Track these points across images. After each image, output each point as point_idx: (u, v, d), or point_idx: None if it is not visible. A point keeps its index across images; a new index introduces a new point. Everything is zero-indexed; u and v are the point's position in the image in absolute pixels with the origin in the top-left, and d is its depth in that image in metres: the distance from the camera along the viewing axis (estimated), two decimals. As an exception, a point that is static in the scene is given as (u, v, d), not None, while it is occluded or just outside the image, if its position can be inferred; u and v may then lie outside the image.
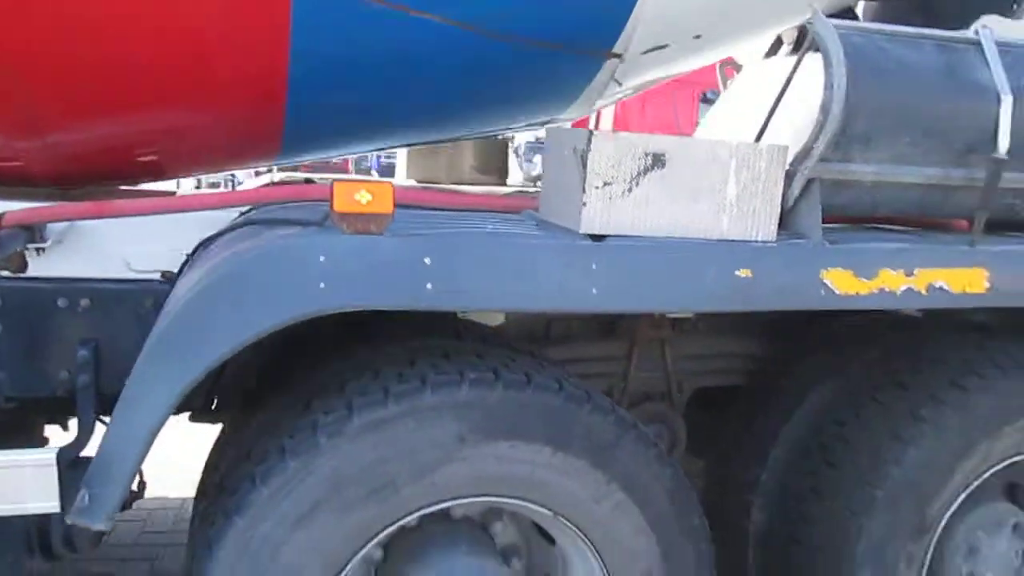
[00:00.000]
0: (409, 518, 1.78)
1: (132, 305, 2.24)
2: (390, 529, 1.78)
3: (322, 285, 1.62)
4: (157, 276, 2.34)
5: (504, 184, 4.21)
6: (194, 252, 2.20)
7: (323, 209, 1.92)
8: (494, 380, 1.79)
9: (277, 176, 3.61)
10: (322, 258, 1.63)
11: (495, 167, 4.16)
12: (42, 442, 2.50)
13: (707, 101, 7.74)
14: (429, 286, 1.67)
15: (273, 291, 1.61)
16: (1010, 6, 2.95)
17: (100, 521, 1.58)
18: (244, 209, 2.34)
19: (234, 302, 1.59)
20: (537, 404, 1.82)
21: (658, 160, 1.94)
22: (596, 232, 1.91)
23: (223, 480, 1.98)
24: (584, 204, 1.90)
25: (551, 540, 2.10)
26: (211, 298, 1.60)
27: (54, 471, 1.58)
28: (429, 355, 1.87)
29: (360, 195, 1.67)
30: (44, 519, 1.93)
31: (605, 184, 1.91)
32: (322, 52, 2.04)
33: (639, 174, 1.93)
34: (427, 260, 1.68)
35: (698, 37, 2.80)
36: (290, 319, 1.60)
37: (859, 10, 3.55)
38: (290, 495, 1.69)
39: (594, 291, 1.81)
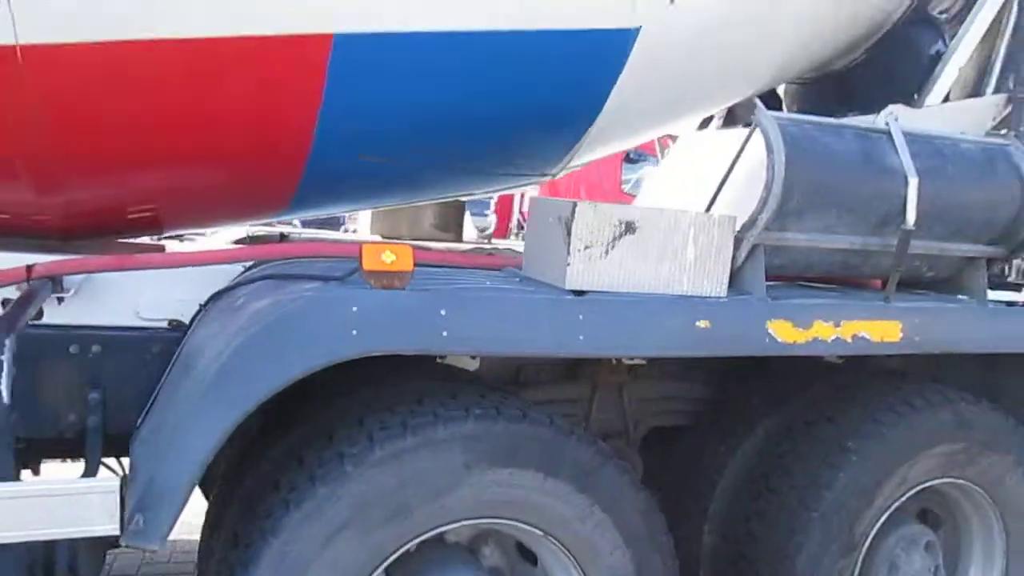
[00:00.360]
0: (419, 538, 2.03)
1: (140, 351, 2.44)
2: (403, 548, 2.02)
3: (355, 332, 1.88)
4: (164, 324, 2.55)
5: (461, 240, 4.51)
6: (207, 303, 2.41)
7: (338, 265, 2.20)
8: (496, 415, 2.07)
9: (253, 231, 3.82)
10: (355, 309, 1.90)
11: (453, 224, 4.46)
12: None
13: (630, 161, 8.16)
14: (445, 334, 1.95)
15: (314, 336, 1.86)
16: (912, 96, 3.41)
17: (156, 542, 1.77)
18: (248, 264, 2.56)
19: (281, 345, 1.84)
20: (532, 436, 2.10)
21: (630, 227, 2.28)
22: (578, 288, 2.22)
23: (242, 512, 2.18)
24: (568, 264, 2.22)
25: (533, 562, 2.37)
26: (261, 341, 1.84)
27: (117, 497, 1.77)
28: (436, 394, 2.13)
29: (386, 255, 1.95)
30: (49, 546, 2.08)
31: (586, 247, 2.24)
32: (352, 115, 2.30)
33: (615, 239, 2.26)
34: (443, 312, 1.96)
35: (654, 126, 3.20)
36: (328, 361, 1.86)
37: (781, 90, 4.02)
38: (320, 518, 1.92)
39: (581, 338, 2.12)
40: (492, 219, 6.30)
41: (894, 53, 3.54)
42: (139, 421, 2.31)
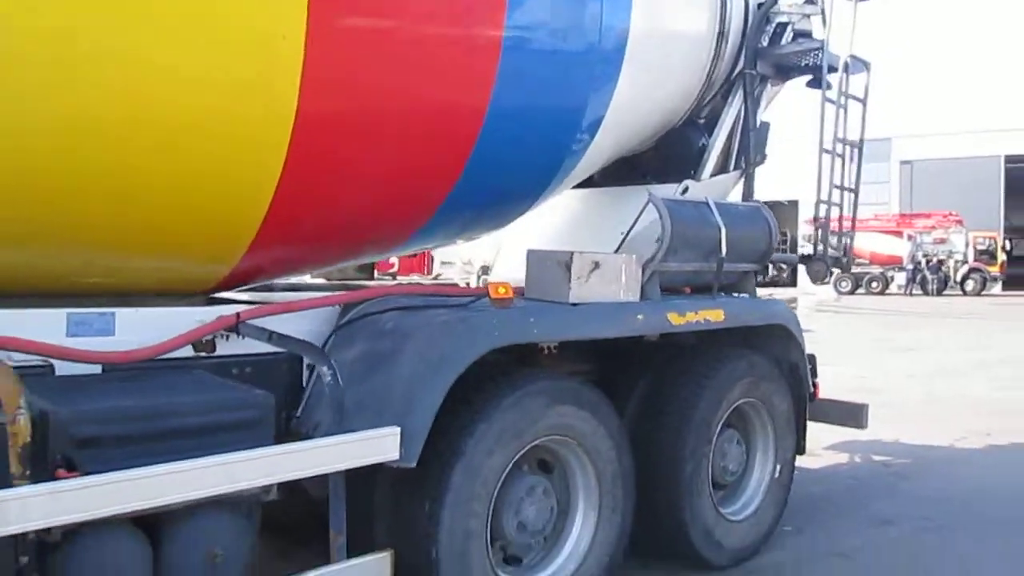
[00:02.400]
0: (526, 447, 3.56)
1: (273, 369, 3.67)
2: (520, 453, 3.54)
3: (496, 334, 3.40)
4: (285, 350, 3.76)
5: (373, 277, 5.91)
6: (337, 331, 3.69)
7: (437, 299, 3.67)
8: (556, 377, 3.67)
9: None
10: (494, 321, 3.41)
11: (368, 266, 5.85)
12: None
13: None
14: (536, 331, 3.53)
15: (482, 331, 3.34)
16: (687, 172, 5.40)
17: (412, 462, 3.13)
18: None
19: (463, 337, 3.30)
20: (570, 387, 3.73)
21: (597, 265, 3.99)
22: (575, 302, 3.89)
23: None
24: (570, 288, 3.87)
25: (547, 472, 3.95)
26: (446, 335, 3.29)
27: (398, 438, 3.07)
28: (528, 368, 3.67)
29: (502, 289, 3.49)
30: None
31: (577, 278, 3.91)
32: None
33: (590, 272, 3.96)
34: (531, 319, 3.54)
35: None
36: (486, 350, 3.35)
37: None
38: (483, 439, 3.37)
39: (584, 327, 3.79)
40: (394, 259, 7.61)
41: (674, 144, 5.56)
42: (299, 412, 3.56)
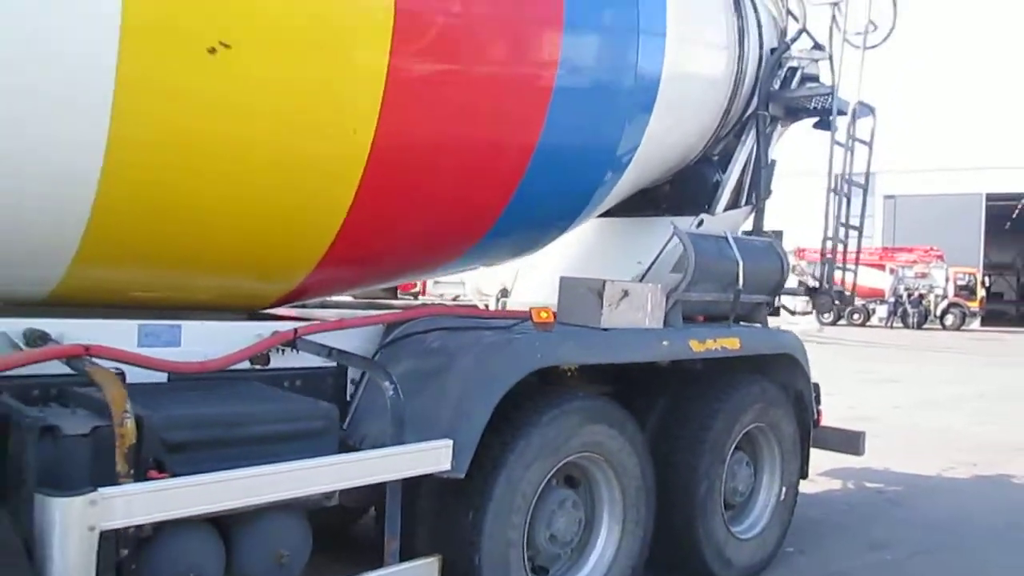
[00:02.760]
0: (562, 462, 3.79)
1: (320, 382, 3.89)
2: (556, 468, 3.76)
3: (539, 356, 3.63)
4: (334, 365, 3.98)
5: (397, 297, 6.12)
6: (384, 348, 3.91)
7: (480, 321, 3.90)
8: (589, 398, 3.91)
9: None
10: (537, 343, 3.65)
11: (392, 288, 6.06)
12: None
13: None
14: (575, 354, 3.77)
15: (520, 357, 3.58)
16: (703, 207, 5.68)
17: (462, 472, 3.35)
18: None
19: (511, 358, 3.54)
20: (601, 408, 3.97)
21: (626, 293, 4.24)
22: (605, 327, 4.13)
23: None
24: (602, 314, 4.12)
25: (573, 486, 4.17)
26: (493, 355, 3.52)
27: (450, 449, 3.29)
28: (565, 388, 3.91)
29: (544, 313, 3.73)
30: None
31: (608, 305, 4.16)
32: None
33: (620, 300, 4.21)
34: (571, 343, 3.78)
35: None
36: (531, 370, 3.58)
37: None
38: (524, 454, 3.60)
39: (616, 351, 4.03)
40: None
41: (689, 179, 5.83)
42: (346, 424, 3.77)
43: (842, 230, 5.84)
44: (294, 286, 3.72)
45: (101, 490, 2.45)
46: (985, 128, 40.05)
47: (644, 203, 5.88)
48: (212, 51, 2.77)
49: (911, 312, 36.02)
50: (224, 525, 2.90)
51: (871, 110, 5.92)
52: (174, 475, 2.70)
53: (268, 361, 3.70)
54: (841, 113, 5.81)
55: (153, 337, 3.36)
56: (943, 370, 18.83)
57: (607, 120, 4.22)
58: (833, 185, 5.76)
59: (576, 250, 5.76)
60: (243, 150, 2.99)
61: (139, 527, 2.60)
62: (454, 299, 6.41)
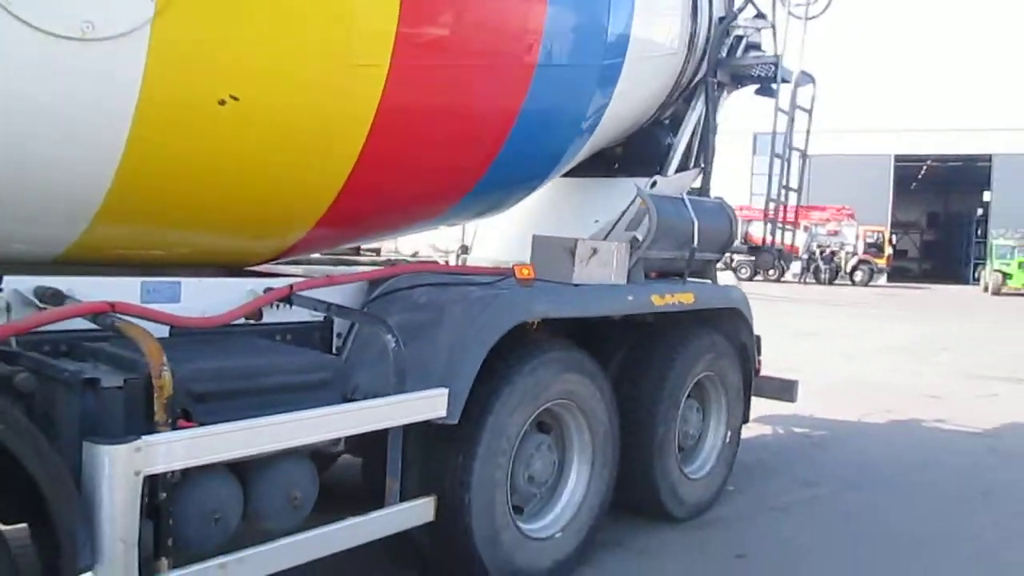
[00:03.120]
0: (542, 407, 4.07)
1: (309, 335, 4.07)
2: (536, 414, 4.05)
3: (523, 309, 3.89)
4: (321, 318, 4.16)
5: (359, 254, 6.27)
6: (371, 302, 4.11)
7: (464, 278, 4.14)
8: (565, 348, 4.19)
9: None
10: (520, 298, 3.90)
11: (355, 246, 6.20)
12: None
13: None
14: (554, 307, 4.04)
15: (507, 311, 3.83)
16: (654, 168, 5.99)
17: (455, 419, 3.60)
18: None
19: (499, 310, 3.78)
20: (575, 358, 4.26)
21: (595, 251, 4.52)
22: (576, 283, 4.41)
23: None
24: (574, 271, 4.39)
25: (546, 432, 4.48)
26: (481, 309, 3.76)
27: (446, 398, 3.55)
28: (545, 340, 4.18)
29: (526, 271, 3.98)
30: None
31: (579, 262, 4.43)
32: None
33: (589, 257, 4.49)
34: (550, 297, 4.04)
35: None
36: (518, 322, 3.84)
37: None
38: (509, 398, 3.87)
39: (589, 305, 4.32)
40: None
41: (643, 141, 6.13)
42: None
43: (782, 192, 6.23)
44: (288, 245, 3.87)
45: (145, 438, 2.63)
46: (896, 91, 41.48)
47: (598, 164, 6.14)
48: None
49: (823, 268, 37.52)
50: (242, 471, 3.10)
51: (812, 79, 6.30)
52: (200, 424, 2.88)
53: (261, 316, 3.86)
54: (784, 81, 6.16)
55: (155, 293, 3.48)
56: (855, 324, 19.87)
57: (581, 84, 4.47)
58: (776, 150, 6.12)
59: (534, 208, 6.01)
60: (256, 111, 3.13)
61: (173, 472, 2.79)
62: (413, 255, 6.59)
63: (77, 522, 2.50)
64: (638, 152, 6.12)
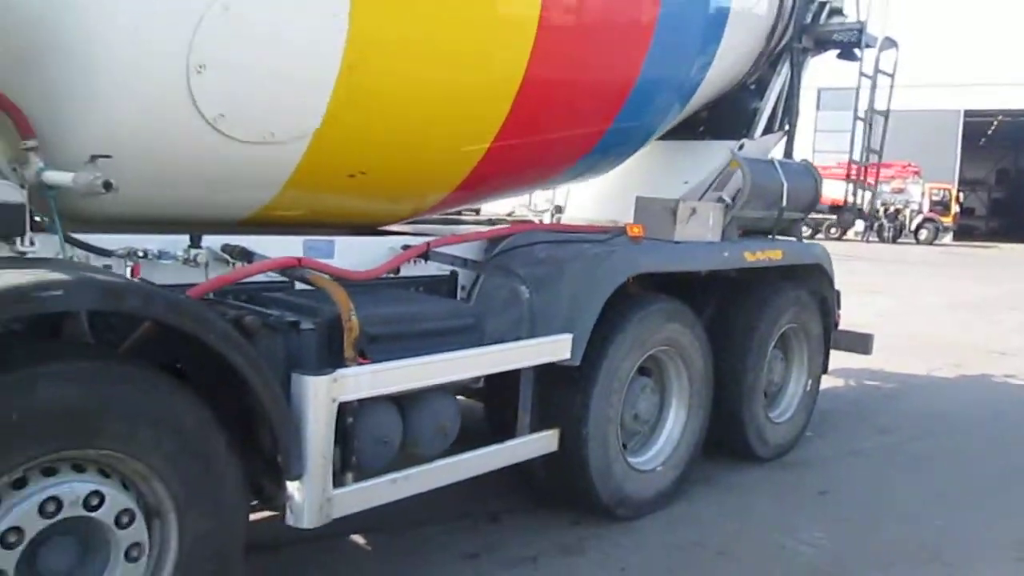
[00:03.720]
0: (648, 353, 4.52)
1: (438, 287, 4.53)
2: (643, 358, 4.50)
3: (635, 264, 4.32)
4: (447, 272, 4.62)
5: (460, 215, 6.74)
6: (493, 259, 4.56)
7: (577, 235, 4.57)
8: (668, 299, 4.62)
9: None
10: (632, 253, 4.32)
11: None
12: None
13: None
14: (661, 262, 4.45)
15: (621, 265, 4.26)
16: (740, 132, 6.31)
17: (578, 360, 4.06)
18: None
19: (614, 264, 4.22)
20: (677, 308, 4.68)
21: (695, 211, 4.91)
22: (678, 240, 4.81)
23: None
24: (675, 229, 4.79)
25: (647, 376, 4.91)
26: (599, 263, 4.20)
27: (570, 342, 4.01)
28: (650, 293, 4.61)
29: (636, 229, 4.40)
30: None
31: (680, 221, 4.83)
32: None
33: (689, 216, 4.88)
34: (658, 253, 4.46)
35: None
36: (631, 275, 4.26)
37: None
38: (622, 344, 4.32)
39: (691, 260, 4.72)
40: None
41: (729, 106, 6.43)
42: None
43: (865, 153, 6.50)
44: (426, 207, 4.36)
45: (340, 371, 3.14)
46: (964, 45, 40.26)
47: (683, 128, 6.50)
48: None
49: (887, 226, 37.06)
50: (402, 403, 3.60)
51: (895, 43, 6.52)
52: (373, 361, 3.37)
53: (399, 270, 4.36)
54: (868, 46, 6.40)
55: (314, 251, 3.98)
56: (921, 281, 19.88)
57: (690, 45, 4.88)
58: (860, 114, 6.39)
59: (624, 171, 6.39)
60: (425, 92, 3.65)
61: (360, 401, 3.29)
62: (508, 215, 7.04)
63: (291, 439, 3.02)
64: (724, 116, 6.43)
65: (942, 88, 41.75)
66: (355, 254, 4.09)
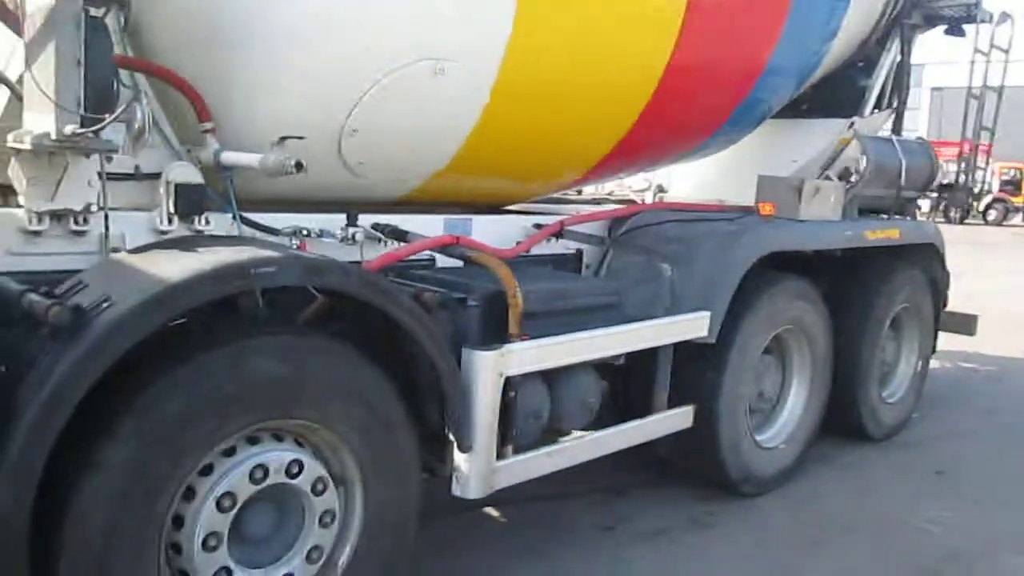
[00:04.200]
0: (776, 330, 4.55)
1: (566, 264, 4.58)
2: (770, 337, 4.53)
3: (768, 243, 4.33)
4: (573, 251, 4.67)
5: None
6: (620, 235, 4.60)
7: (705, 214, 4.59)
8: (796, 277, 4.63)
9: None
10: (764, 232, 4.34)
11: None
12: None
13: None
14: (792, 241, 4.46)
15: (755, 243, 4.28)
16: (850, 110, 6.24)
17: (713, 339, 4.10)
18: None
19: (751, 239, 4.25)
20: (802, 287, 4.69)
21: (819, 189, 4.90)
22: (803, 219, 4.80)
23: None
24: (800, 208, 4.79)
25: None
26: (736, 239, 4.24)
27: (708, 320, 4.06)
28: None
29: (767, 208, 4.41)
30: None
31: (805, 200, 4.82)
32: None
33: (813, 195, 4.87)
34: (789, 231, 4.47)
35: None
36: (766, 253, 4.28)
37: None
38: (750, 325, 4.35)
39: (818, 239, 4.72)
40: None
41: (837, 84, 6.35)
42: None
43: (977, 132, 6.39)
44: (565, 184, 4.45)
45: (507, 346, 3.23)
46: (1036, 16, 38.73)
47: (788, 106, 6.45)
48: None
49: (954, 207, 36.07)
50: (550, 379, 3.67)
51: (1010, 18, 6.38)
52: (530, 337, 3.45)
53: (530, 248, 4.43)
54: (983, 21, 6.28)
55: (454, 228, 4.07)
56: (998, 264, 19.41)
57: (817, 25, 4.86)
58: (974, 92, 6.29)
59: (730, 150, 6.38)
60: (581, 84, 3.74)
61: (522, 375, 3.37)
62: (608, 194, 7.07)
63: (463, 411, 3.12)
64: (831, 94, 6.34)
65: (1012, 63, 40.38)
66: (489, 232, 4.17)
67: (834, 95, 6.36)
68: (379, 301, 2.82)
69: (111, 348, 2.30)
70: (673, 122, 4.30)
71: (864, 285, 5.46)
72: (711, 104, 4.53)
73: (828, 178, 5.41)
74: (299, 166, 2.91)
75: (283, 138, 2.97)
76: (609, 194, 7.23)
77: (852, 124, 6.01)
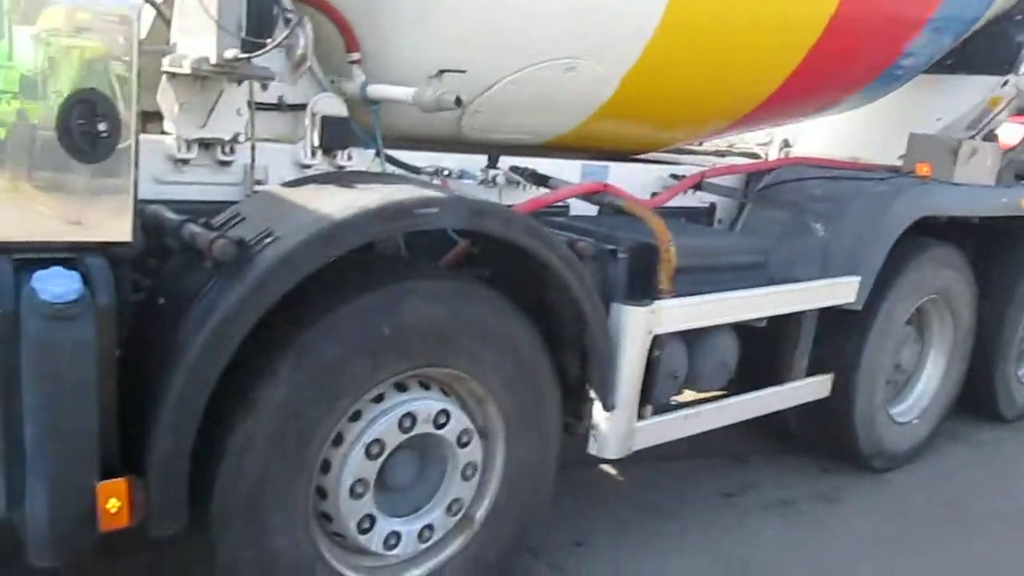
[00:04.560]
0: (923, 299, 4.27)
1: (699, 218, 4.34)
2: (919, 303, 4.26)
3: (923, 205, 4.03)
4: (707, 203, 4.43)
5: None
6: (761, 190, 4.34)
7: (852, 172, 4.28)
8: (942, 245, 4.32)
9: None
10: (920, 194, 4.04)
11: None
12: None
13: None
14: (947, 204, 4.15)
15: (910, 205, 3.98)
16: (1003, 66, 5.78)
17: (860, 305, 3.84)
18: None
19: (896, 210, 3.95)
20: (947, 254, 4.38)
21: (975, 151, 4.54)
22: (957, 182, 4.45)
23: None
24: (955, 170, 4.44)
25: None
26: (890, 200, 3.94)
27: (857, 286, 3.81)
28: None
29: (924, 168, 4.09)
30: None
31: (960, 161, 4.47)
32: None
33: (969, 157, 4.51)
34: (946, 195, 4.15)
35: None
36: (920, 216, 3.98)
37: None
38: (898, 291, 4.08)
39: (972, 204, 4.38)
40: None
41: (990, 39, 5.86)
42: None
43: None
44: (700, 137, 4.19)
45: (658, 302, 3.06)
46: None
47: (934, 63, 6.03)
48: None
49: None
50: (689, 337, 3.49)
51: None
52: (677, 295, 3.26)
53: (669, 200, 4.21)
54: None
55: (592, 175, 3.89)
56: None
57: None
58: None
59: (870, 106, 6.00)
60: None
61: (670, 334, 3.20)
62: (729, 147, 6.75)
63: (610, 369, 2.98)
64: (981, 50, 5.88)
65: None
66: (626, 181, 3.96)
67: (986, 51, 5.91)
68: (538, 249, 2.67)
69: (276, 285, 2.21)
70: (832, 72, 4.00)
71: (1011, 257, 5.09)
72: (871, 56, 4.20)
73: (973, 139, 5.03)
74: (459, 102, 2.75)
75: (442, 71, 2.81)
76: (730, 146, 6.91)
77: (1007, 82, 5.58)
